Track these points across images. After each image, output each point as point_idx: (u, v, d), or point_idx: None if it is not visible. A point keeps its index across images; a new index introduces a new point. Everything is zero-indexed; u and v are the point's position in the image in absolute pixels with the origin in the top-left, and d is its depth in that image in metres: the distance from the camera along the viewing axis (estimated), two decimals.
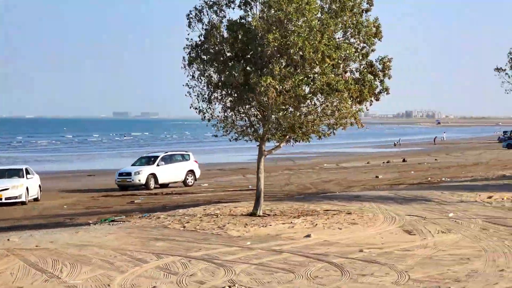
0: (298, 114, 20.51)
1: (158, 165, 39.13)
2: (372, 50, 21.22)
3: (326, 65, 19.69)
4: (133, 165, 40.32)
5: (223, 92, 21.07)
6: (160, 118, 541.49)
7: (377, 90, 21.32)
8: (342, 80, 19.78)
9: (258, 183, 21.63)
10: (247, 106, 20.99)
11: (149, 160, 39.97)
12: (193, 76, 21.08)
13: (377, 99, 21.60)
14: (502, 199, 25.44)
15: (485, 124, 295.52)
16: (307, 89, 20.31)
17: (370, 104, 21.46)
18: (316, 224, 19.49)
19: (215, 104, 21.41)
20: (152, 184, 38.36)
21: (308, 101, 20.68)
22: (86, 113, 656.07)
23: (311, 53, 19.29)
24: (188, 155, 41.38)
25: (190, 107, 21.54)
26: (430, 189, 29.89)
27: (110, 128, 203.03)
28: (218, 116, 21.35)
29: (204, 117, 21.48)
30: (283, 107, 20.52)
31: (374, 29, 21.22)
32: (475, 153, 66.85)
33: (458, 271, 13.39)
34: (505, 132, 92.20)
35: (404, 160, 57.86)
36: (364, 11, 21.13)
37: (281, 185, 37.48)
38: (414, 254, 15.23)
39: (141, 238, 17.83)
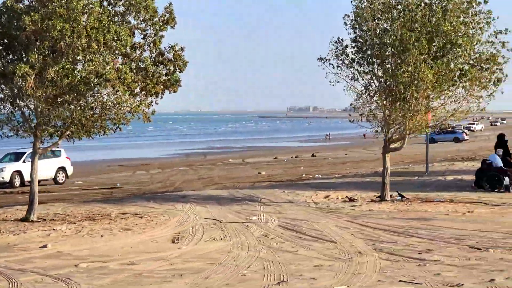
0: (72, 108, 18.29)
1: (24, 161, 36.58)
2: (162, 37, 19.11)
3: (96, 51, 17.49)
4: None
5: None
6: None
7: (169, 83, 19.22)
8: (113, 69, 17.59)
9: (31, 185, 19.45)
10: (18, 100, 18.67)
11: (16, 157, 37.50)
12: None
13: (173, 92, 19.51)
14: (337, 198, 23.66)
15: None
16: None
17: (161, 98, 19.37)
18: (80, 231, 17.31)
19: None
20: (17, 182, 35.90)
21: (90, 93, 18.45)
22: None
23: (74, 38, 17.10)
24: (60, 151, 38.82)
25: None
26: (282, 187, 27.95)
27: None
28: None
29: None
30: (59, 100, 18.30)
31: (167, 15, 19.16)
32: None
33: None
34: None
35: (313, 155, 56.18)
36: None
37: (152, 183, 35.39)
38: (132, 269, 13.14)
39: None
